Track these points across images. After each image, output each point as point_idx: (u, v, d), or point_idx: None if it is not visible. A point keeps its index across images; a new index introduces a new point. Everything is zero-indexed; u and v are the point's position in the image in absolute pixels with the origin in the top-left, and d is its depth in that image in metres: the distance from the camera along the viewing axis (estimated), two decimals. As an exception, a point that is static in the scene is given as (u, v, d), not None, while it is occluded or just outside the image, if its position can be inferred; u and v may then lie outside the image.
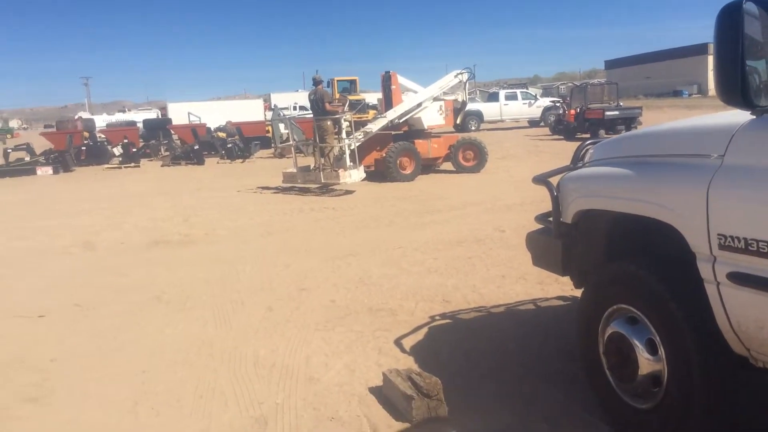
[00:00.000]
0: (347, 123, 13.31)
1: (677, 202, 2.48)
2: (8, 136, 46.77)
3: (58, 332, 5.06)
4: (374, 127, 13.71)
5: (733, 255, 2.24)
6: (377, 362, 4.08)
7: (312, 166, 13.38)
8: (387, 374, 3.57)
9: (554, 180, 3.51)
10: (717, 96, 2.27)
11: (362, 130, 13.70)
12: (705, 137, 2.57)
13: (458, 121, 16.41)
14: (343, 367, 4.04)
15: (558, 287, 5.33)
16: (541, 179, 3.49)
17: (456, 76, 14.80)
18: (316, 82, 13.64)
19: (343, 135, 13.08)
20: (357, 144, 13.09)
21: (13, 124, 78.05)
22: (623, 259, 2.95)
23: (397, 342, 4.40)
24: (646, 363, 2.73)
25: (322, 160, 12.99)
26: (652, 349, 2.72)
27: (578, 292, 4.97)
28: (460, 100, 15.22)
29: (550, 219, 3.48)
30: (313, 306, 5.35)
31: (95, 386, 3.99)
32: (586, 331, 3.16)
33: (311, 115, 14.42)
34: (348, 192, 12.41)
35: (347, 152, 12.70)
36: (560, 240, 3.31)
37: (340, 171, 12.43)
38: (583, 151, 3.68)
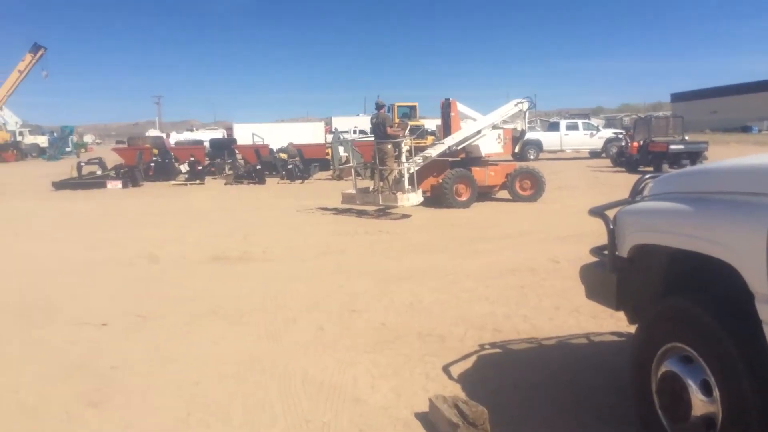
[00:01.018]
0: (407, 147, 13.44)
1: (736, 240, 2.43)
2: (82, 150, 49.02)
3: (119, 340, 5.28)
4: (433, 152, 13.81)
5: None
6: (424, 387, 4.09)
7: (371, 189, 13.55)
8: (433, 400, 3.57)
9: (611, 213, 3.48)
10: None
11: (421, 154, 13.80)
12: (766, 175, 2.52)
13: (516, 150, 16.32)
14: (390, 390, 4.06)
15: (612, 322, 5.22)
16: (598, 211, 3.46)
17: (516, 105, 14.77)
18: (379, 107, 13.85)
19: (403, 159, 13.19)
20: (416, 168, 13.19)
21: (87, 138, 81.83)
22: (679, 297, 2.89)
23: (445, 368, 4.40)
24: (700, 404, 2.66)
25: (381, 183, 13.14)
26: (707, 390, 2.65)
27: (633, 328, 4.93)
28: (519, 129, 15.16)
29: (606, 252, 3.44)
30: (363, 328, 5.41)
31: (151, 395, 4.15)
32: (639, 368, 3.10)
33: (370, 139, 14.60)
34: (404, 216, 12.49)
35: (406, 176, 12.81)
36: (615, 274, 3.26)
37: (398, 194, 12.55)
38: (642, 184, 3.63)
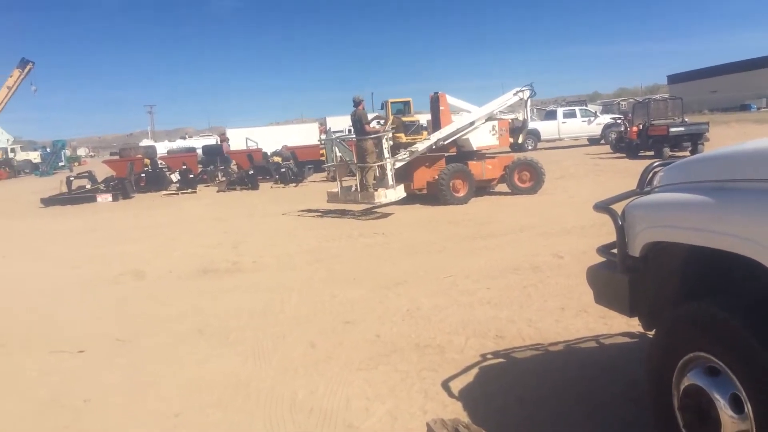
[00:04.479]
0: (389, 143, 13.19)
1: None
2: (75, 164, 48.74)
3: (96, 368, 4.92)
4: (419, 147, 13.52)
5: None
6: (422, 408, 3.74)
7: (353, 187, 13.36)
8: (431, 425, 3.22)
9: (619, 207, 3.11)
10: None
11: (407, 150, 13.66)
12: None
13: (520, 141, 15.98)
14: (385, 414, 3.71)
15: (623, 322, 4.82)
16: (604, 206, 3.09)
17: (515, 94, 14.40)
18: (356, 103, 13.56)
19: (386, 155, 12.91)
20: (401, 164, 13.13)
21: (81, 152, 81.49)
22: (702, 300, 2.52)
23: (445, 384, 4.04)
24: (730, 422, 2.30)
25: (361, 179, 13.04)
26: (737, 406, 2.29)
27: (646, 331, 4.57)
28: (520, 118, 14.80)
29: (614, 251, 3.06)
30: (357, 341, 5.05)
31: (126, 430, 3.79)
32: (658, 381, 2.73)
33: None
34: (385, 215, 12.13)
35: (389, 172, 12.59)
36: (627, 276, 2.90)
37: (376, 190, 12.37)
38: (650, 173, 3.25)
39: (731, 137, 26.35)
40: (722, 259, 2.39)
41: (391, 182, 12.61)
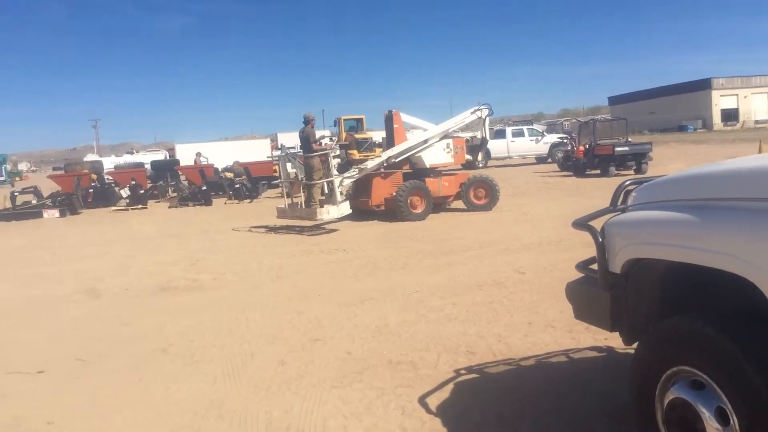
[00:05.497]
0: (338, 160, 13.46)
1: (755, 253, 2.17)
2: (17, 179, 46.93)
3: (57, 390, 4.74)
4: (369, 164, 13.71)
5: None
6: (401, 425, 3.73)
7: (299, 203, 13.61)
8: (415, 442, 3.22)
9: (595, 224, 3.21)
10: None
11: (356, 167, 13.94)
12: None
13: (479, 158, 16.36)
14: (364, 432, 3.69)
15: (590, 336, 4.98)
16: (582, 224, 3.18)
17: (473, 113, 14.66)
18: (306, 122, 13.91)
19: (334, 172, 13.22)
20: (350, 181, 13.36)
21: (23, 167, 78.58)
22: (685, 315, 2.61)
23: (422, 401, 4.05)
24: None
25: (304, 196, 13.44)
26: (723, 418, 2.37)
27: (613, 342, 4.70)
28: (479, 136, 15.05)
29: (594, 267, 3.15)
30: (328, 359, 5.01)
31: (94, 455, 3.66)
32: (641, 395, 2.81)
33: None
34: (344, 231, 12.12)
35: (336, 189, 12.73)
36: (608, 292, 2.98)
37: (318, 208, 12.59)
38: (623, 192, 3.37)
39: (672, 157, 27.46)
40: (704, 275, 2.48)
41: (339, 198, 12.72)
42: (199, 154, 30.63)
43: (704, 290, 2.70)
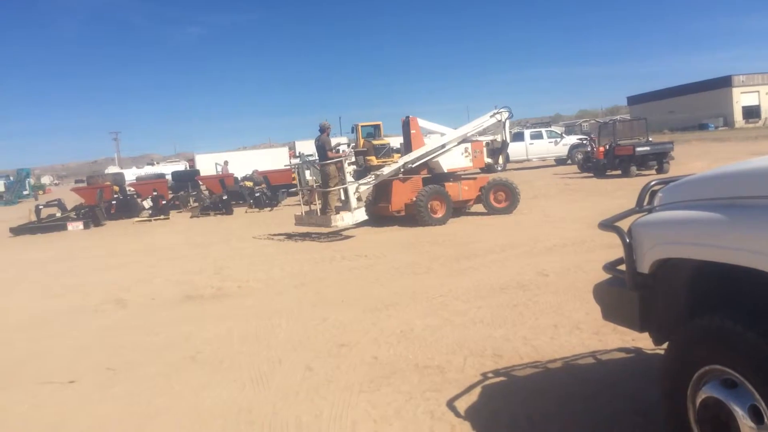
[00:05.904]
0: (354, 167, 13.55)
1: None
2: (40, 192, 47.70)
3: (90, 399, 4.81)
4: (385, 170, 13.77)
5: None
6: (431, 429, 3.75)
7: (316, 210, 13.73)
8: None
9: (622, 224, 3.20)
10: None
11: (373, 173, 14.00)
12: None
13: (500, 162, 16.39)
14: (395, 436, 3.71)
15: (617, 337, 4.95)
16: (609, 225, 3.17)
17: (493, 116, 14.65)
18: (322, 130, 14.04)
19: (350, 178, 13.35)
20: (366, 187, 13.47)
21: (45, 180, 79.86)
22: (716, 314, 2.60)
23: (450, 405, 4.06)
24: None
25: (320, 203, 13.59)
26: (758, 417, 2.36)
27: (640, 343, 4.68)
28: (499, 140, 15.03)
29: (622, 268, 3.14)
30: (355, 364, 5.04)
31: (129, 462, 3.72)
32: (672, 395, 2.80)
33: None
34: (365, 238, 12.16)
35: (351, 196, 12.82)
36: (636, 292, 2.97)
37: (333, 215, 12.71)
38: (648, 192, 3.35)
39: (695, 155, 27.14)
40: (736, 274, 2.47)
41: (354, 205, 12.82)
42: (226, 163, 30.97)
43: (734, 289, 2.69)
